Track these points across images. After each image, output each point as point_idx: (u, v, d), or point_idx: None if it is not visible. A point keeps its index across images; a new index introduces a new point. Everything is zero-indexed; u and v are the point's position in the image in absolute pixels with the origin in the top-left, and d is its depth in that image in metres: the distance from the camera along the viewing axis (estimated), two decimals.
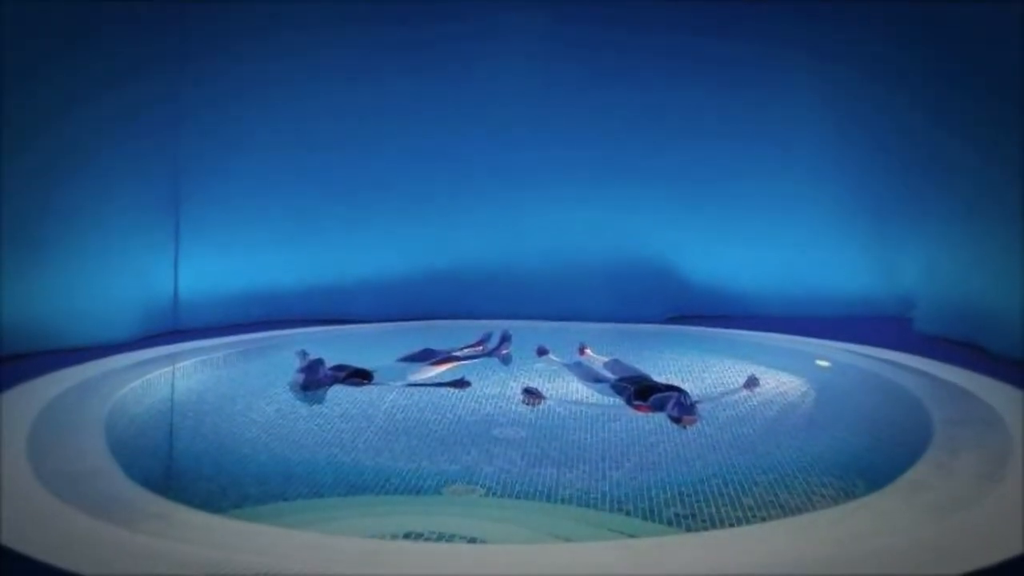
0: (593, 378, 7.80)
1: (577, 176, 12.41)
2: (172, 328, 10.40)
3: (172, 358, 8.77)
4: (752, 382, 7.63)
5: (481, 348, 9.38)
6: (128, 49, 9.50)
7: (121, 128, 9.52)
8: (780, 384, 8.25)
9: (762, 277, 12.72)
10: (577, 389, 7.80)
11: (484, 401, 7.40)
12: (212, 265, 11.03)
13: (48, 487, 4.39)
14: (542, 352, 9.16)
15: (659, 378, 7.36)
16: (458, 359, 8.80)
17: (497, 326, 9.98)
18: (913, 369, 8.18)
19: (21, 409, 6.14)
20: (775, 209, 12.62)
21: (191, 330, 10.43)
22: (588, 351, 8.99)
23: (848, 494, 4.81)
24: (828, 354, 9.57)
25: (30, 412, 6.06)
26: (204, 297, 10.88)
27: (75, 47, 8.90)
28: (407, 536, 4.21)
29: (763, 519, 4.46)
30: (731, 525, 4.39)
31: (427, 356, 8.63)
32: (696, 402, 6.49)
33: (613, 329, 11.55)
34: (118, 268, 9.60)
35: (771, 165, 12.54)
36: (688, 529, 4.38)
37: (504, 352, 9.41)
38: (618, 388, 7.14)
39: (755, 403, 7.38)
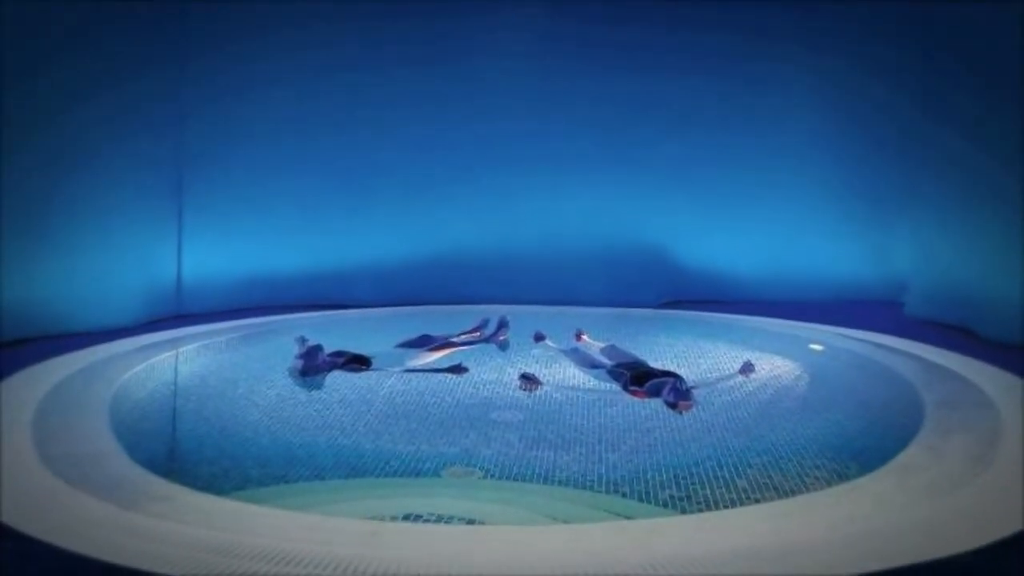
0: (590, 364, 7.84)
1: (574, 164, 12.45)
2: (175, 313, 10.47)
3: (175, 343, 8.86)
4: (748, 368, 7.68)
5: (478, 334, 9.41)
6: (132, 42, 9.59)
7: (125, 119, 9.60)
8: (774, 368, 8.29)
9: (757, 262, 12.76)
10: (574, 375, 7.83)
11: (482, 387, 7.44)
12: (214, 251, 11.12)
13: (53, 470, 4.45)
14: (539, 338, 9.21)
15: (655, 364, 7.41)
16: (456, 345, 8.84)
17: (495, 311, 10.02)
18: (905, 353, 8.25)
19: (27, 392, 6.22)
20: (770, 196, 12.65)
21: (194, 315, 10.49)
22: (585, 337, 9.03)
23: (841, 476, 4.85)
24: (821, 338, 9.64)
25: (35, 395, 6.14)
26: (207, 282, 10.96)
27: (81, 41, 8.99)
28: (407, 518, 4.26)
29: (757, 501, 4.51)
30: (726, 507, 4.44)
31: (425, 342, 8.68)
32: (692, 388, 6.54)
33: (610, 314, 11.59)
34: (122, 254, 9.69)
35: (766, 153, 12.56)
36: (683, 511, 4.42)
37: (501, 338, 9.44)
38: (614, 374, 7.19)
39: (749, 387, 7.43)
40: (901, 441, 5.20)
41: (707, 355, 8.89)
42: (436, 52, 12.08)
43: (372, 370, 7.73)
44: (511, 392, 7.21)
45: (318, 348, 7.75)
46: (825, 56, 12.14)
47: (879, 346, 8.70)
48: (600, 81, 12.35)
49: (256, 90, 11.34)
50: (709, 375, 7.82)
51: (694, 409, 6.32)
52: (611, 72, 12.32)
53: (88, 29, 9.04)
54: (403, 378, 7.62)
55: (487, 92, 12.34)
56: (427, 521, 4.22)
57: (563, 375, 7.86)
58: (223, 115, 11.09)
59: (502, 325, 9.55)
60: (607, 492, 4.75)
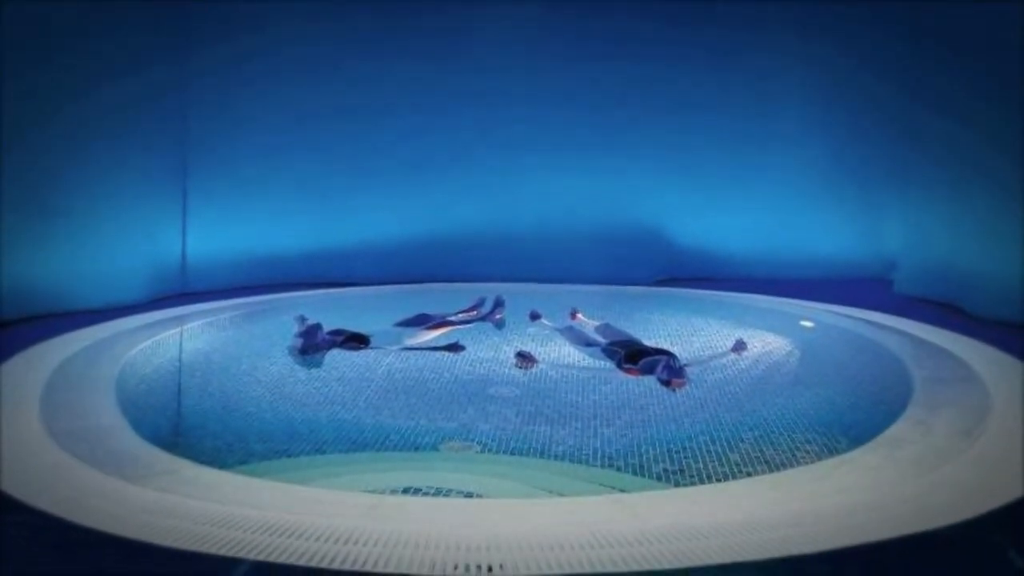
0: (584, 342, 7.90)
1: (571, 144, 12.52)
2: (180, 291, 10.57)
3: (180, 320, 8.95)
4: (740, 346, 7.75)
5: (475, 313, 9.46)
6: (140, 32, 9.67)
7: (133, 105, 9.73)
8: (766, 344, 8.37)
9: (749, 241, 12.84)
10: (569, 353, 7.90)
11: (478, 364, 7.51)
12: (218, 231, 11.23)
13: (60, 444, 4.52)
14: (535, 317, 9.27)
15: (649, 342, 7.47)
16: (453, 324, 8.89)
17: (492, 289, 10.08)
18: (894, 329, 8.34)
19: (35, 368, 6.30)
20: (763, 177, 12.72)
21: (198, 293, 10.57)
22: (580, 316, 9.10)
23: (832, 450, 4.93)
24: (813, 315, 9.72)
25: (43, 371, 6.21)
26: (210, 261, 11.05)
27: (91, 32, 9.11)
28: (406, 491, 4.33)
29: (749, 474, 4.58)
30: (718, 480, 4.52)
31: (422, 321, 8.72)
32: (685, 365, 6.60)
33: (604, 291, 11.66)
34: (129, 235, 9.83)
35: (759, 135, 12.62)
36: (676, 484, 4.50)
37: (498, 317, 9.49)
38: (609, 352, 7.25)
39: (742, 363, 7.50)
40: (890, 415, 5.27)
41: (700, 333, 8.96)
42: (435, 38, 12.15)
43: (371, 348, 7.79)
44: (507, 370, 7.27)
45: (317, 327, 7.81)
46: (816, 43, 12.18)
47: (869, 323, 8.79)
48: (596, 66, 12.40)
49: (258, 76, 11.45)
50: (702, 353, 7.90)
51: (687, 386, 6.39)
52: (607, 57, 12.35)
53: (98, 19, 9.12)
54: (401, 356, 7.69)
55: (485, 76, 12.40)
56: (426, 494, 4.29)
57: (558, 353, 7.92)
58: (227, 100, 11.21)
59: (498, 304, 9.60)
60: (602, 466, 4.82)
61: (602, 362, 7.24)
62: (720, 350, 7.89)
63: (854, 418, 5.86)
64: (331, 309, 9.43)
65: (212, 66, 10.96)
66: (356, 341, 7.85)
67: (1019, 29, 8.38)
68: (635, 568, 3.15)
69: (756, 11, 12.17)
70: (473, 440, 5.30)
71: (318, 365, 7.47)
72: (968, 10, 9.08)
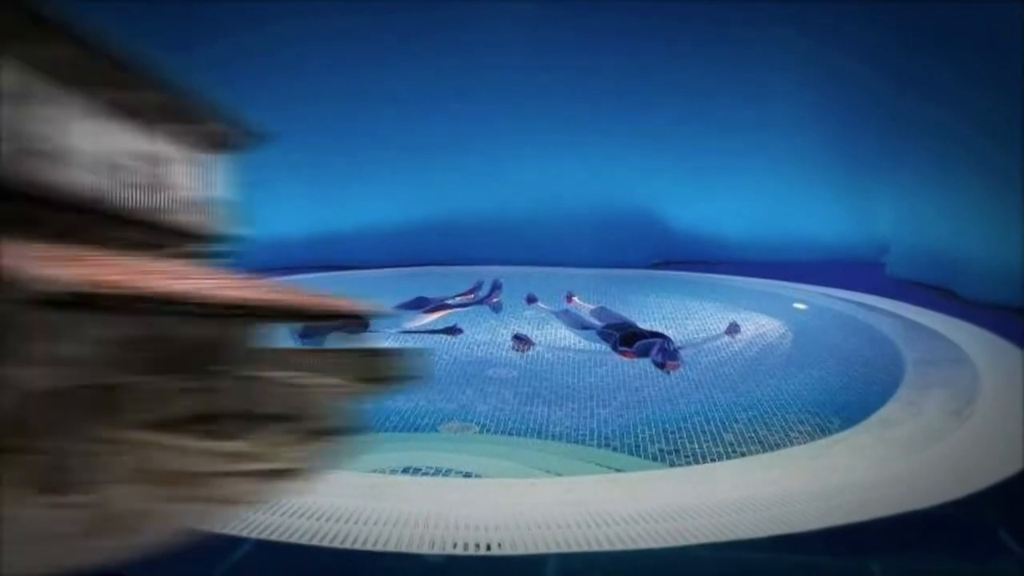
0: (580, 325, 7.95)
1: (568, 130, 12.50)
2: None
3: None
4: (733, 328, 7.79)
5: (472, 296, 9.49)
6: (144, 23, 9.65)
7: None
8: (760, 326, 8.43)
9: (743, 224, 12.88)
10: (565, 336, 7.95)
11: (476, 347, 7.56)
12: None
13: None
14: (531, 300, 9.30)
15: (644, 325, 7.53)
16: (450, 307, 8.93)
17: (489, 272, 10.11)
18: (886, 311, 8.39)
19: None
20: (757, 162, 12.71)
21: None
22: (575, 299, 9.14)
23: (824, 430, 5.01)
24: (806, 298, 9.77)
25: None
26: None
27: (96, 23, 9.06)
28: (406, 471, 4.41)
29: (743, 454, 4.66)
30: (712, 460, 4.59)
31: (421, 304, 8.77)
32: (679, 348, 6.66)
33: (600, 274, 11.70)
34: None
35: (752, 120, 12.57)
36: (672, 464, 4.57)
37: (495, 300, 9.51)
38: (604, 335, 7.29)
39: (736, 345, 7.56)
40: (882, 396, 5.32)
41: (694, 316, 9.01)
42: (433, 27, 12.09)
43: (369, 332, 7.82)
44: (504, 352, 7.33)
45: None
46: (808, 31, 12.14)
47: (861, 305, 8.84)
48: (593, 53, 12.38)
49: (257, 63, 11.38)
50: (696, 336, 7.95)
51: (681, 368, 6.44)
52: (604, 44, 12.33)
53: (103, 15, 9.13)
54: (400, 339, 7.74)
55: (483, 64, 12.38)
56: (425, 474, 4.37)
57: (554, 336, 7.98)
58: (228, 82, 11.11)
59: (495, 287, 9.63)
60: (598, 446, 4.89)
61: (598, 345, 7.28)
62: (714, 333, 7.93)
63: (846, 399, 5.93)
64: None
65: (214, 56, 10.92)
66: (355, 324, 7.87)
67: (1008, 17, 8.43)
68: (631, 546, 3.20)
69: (750, 4, 12.17)
70: (471, 421, 5.37)
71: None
72: (957, 2, 9.14)
